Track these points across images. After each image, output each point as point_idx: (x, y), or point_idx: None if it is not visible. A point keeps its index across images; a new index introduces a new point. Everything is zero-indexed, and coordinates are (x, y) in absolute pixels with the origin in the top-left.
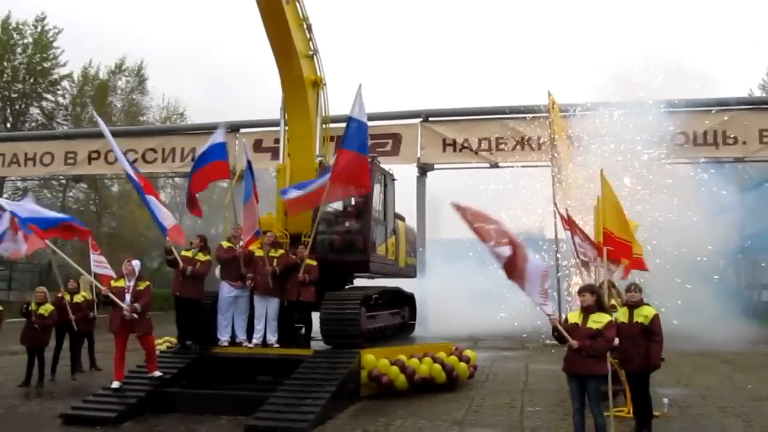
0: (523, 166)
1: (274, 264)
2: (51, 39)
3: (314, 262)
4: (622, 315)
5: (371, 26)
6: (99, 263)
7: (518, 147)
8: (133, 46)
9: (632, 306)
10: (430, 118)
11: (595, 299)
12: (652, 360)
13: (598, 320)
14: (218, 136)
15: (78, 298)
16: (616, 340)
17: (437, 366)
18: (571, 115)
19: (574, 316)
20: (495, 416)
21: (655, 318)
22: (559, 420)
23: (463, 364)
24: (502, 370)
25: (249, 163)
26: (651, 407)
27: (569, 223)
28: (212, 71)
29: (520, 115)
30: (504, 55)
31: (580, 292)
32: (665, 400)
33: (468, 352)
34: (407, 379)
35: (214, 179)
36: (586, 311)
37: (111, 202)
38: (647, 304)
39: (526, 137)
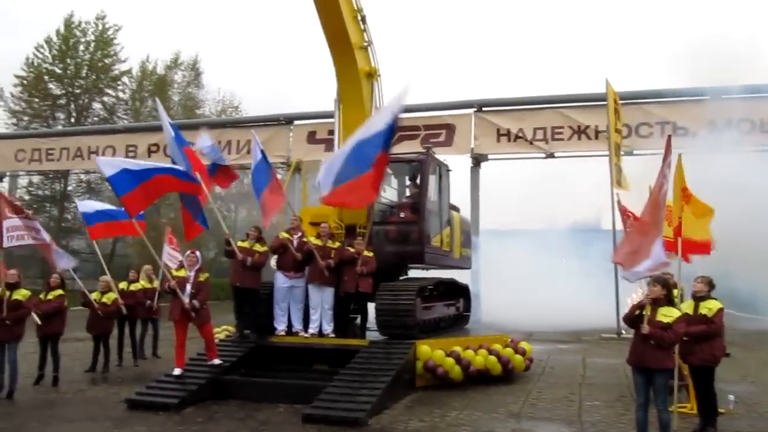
0: (580, 156)
1: (332, 255)
2: (111, 36)
3: (371, 254)
4: (687, 307)
5: (424, 15)
6: (171, 257)
7: (575, 136)
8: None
9: (699, 299)
10: (484, 108)
11: (665, 293)
12: (712, 352)
13: (668, 314)
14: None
15: (135, 287)
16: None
17: (493, 358)
18: (630, 103)
19: (689, 306)
20: (553, 410)
21: (719, 312)
22: (618, 415)
23: (519, 357)
24: (559, 363)
25: (262, 152)
26: (716, 404)
27: (627, 214)
28: (266, 63)
29: (576, 104)
30: (560, 43)
31: (650, 283)
32: (731, 397)
33: (524, 345)
34: (462, 370)
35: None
36: (655, 303)
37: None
38: (714, 298)
39: (584, 126)
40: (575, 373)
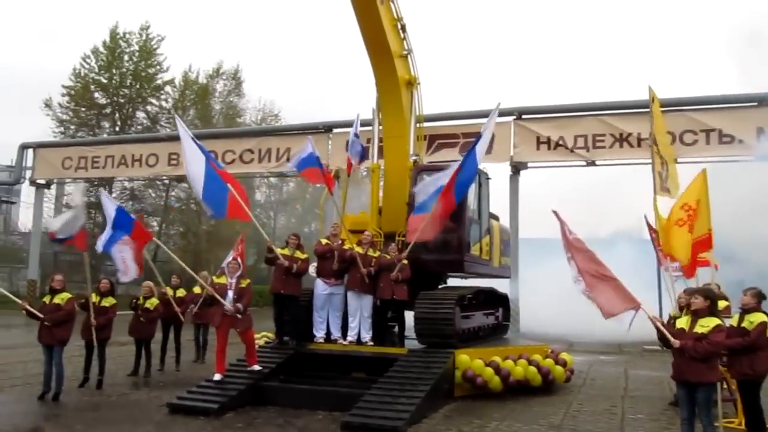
0: (622, 164)
1: (372, 264)
2: (155, 46)
3: (405, 261)
4: (733, 319)
5: (464, 23)
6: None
7: (617, 144)
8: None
9: (745, 311)
10: (523, 116)
11: (707, 304)
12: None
13: (705, 324)
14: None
15: (180, 293)
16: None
17: (533, 368)
18: (674, 110)
19: (683, 321)
20: (594, 422)
21: (759, 325)
22: (663, 429)
23: (559, 368)
24: (600, 375)
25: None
26: (763, 419)
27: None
28: (306, 73)
29: (618, 111)
30: (601, 49)
31: (693, 294)
32: None
33: (564, 355)
34: (502, 380)
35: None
36: (695, 315)
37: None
38: (763, 311)
39: (625, 134)
40: (617, 386)
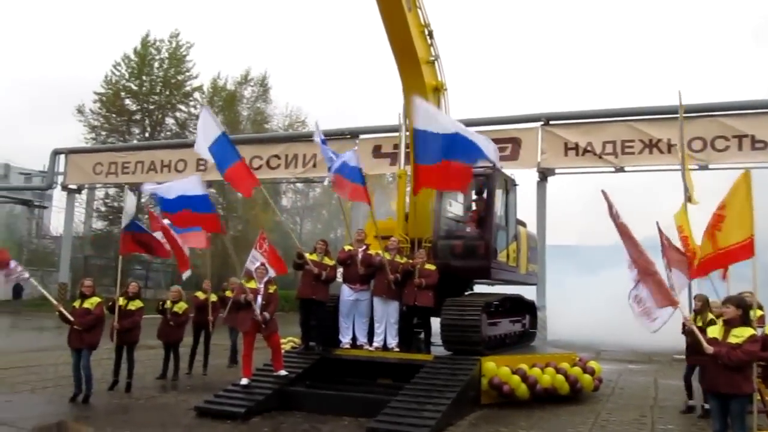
0: (651, 171)
1: (399, 270)
2: (184, 53)
3: (433, 267)
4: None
5: (490, 29)
6: (254, 259)
7: (646, 150)
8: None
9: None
10: (551, 122)
11: (740, 313)
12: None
13: (739, 334)
14: (353, 158)
15: (213, 298)
16: None
17: (560, 377)
18: (705, 116)
19: (714, 330)
20: None
21: None
22: None
23: (587, 376)
24: (629, 384)
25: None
26: None
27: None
28: (331, 79)
29: (648, 117)
30: (630, 54)
31: (724, 303)
32: None
33: (592, 364)
34: (529, 388)
35: (354, 199)
36: (728, 325)
37: (237, 205)
38: None
39: (655, 140)
40: (647, 395)
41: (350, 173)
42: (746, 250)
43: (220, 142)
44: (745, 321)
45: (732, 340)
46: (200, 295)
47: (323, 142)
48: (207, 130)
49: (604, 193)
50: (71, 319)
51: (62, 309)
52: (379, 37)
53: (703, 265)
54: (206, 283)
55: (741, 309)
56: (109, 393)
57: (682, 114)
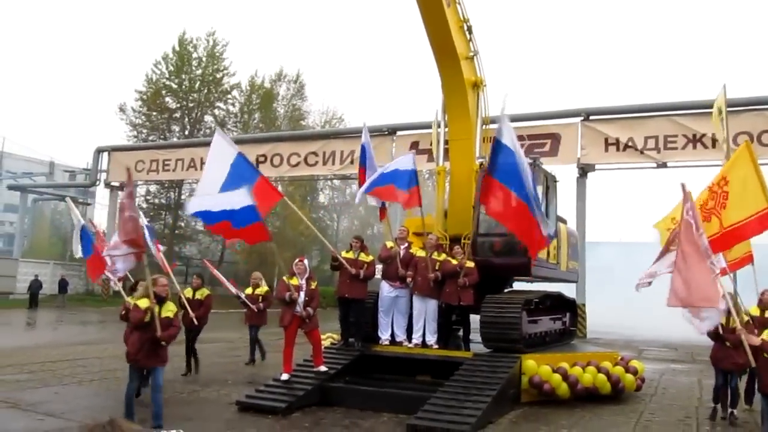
0: (695, 166)
1: (437, 268)
2: (221, 51)
3: (472, 264)
4: None
5: (530, 24)
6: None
7: (689, 145)
8: (292, 54)
9: None
10: (591, 117)
11: None
12: None
13: None
14: (409, 162)
15: (200, 294)
16: None
17: (602, 376)
18: (751, 110)
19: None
20: None
21: None
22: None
23: (630, 376)
24: (672, 384)
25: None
26: None
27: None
28: (368, 75)
29: (691, 111)
30: (672, 47)
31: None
32: None
33: (635, 363)
34: (570, 387)
35: (409, 206)
36: None
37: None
38: None
39: (699, 135)
40: (691, 395)
41: (403, 179)
42: (764, 220)
43: (237, 163)
44: None
45: None
46: (187, 291)
47: (364, 152)
48: (222, 154)
49: (683, 186)
50: (159, 331)
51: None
52: (417, 33)
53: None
54: (195, 278)
55: None
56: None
57: (726, 108)
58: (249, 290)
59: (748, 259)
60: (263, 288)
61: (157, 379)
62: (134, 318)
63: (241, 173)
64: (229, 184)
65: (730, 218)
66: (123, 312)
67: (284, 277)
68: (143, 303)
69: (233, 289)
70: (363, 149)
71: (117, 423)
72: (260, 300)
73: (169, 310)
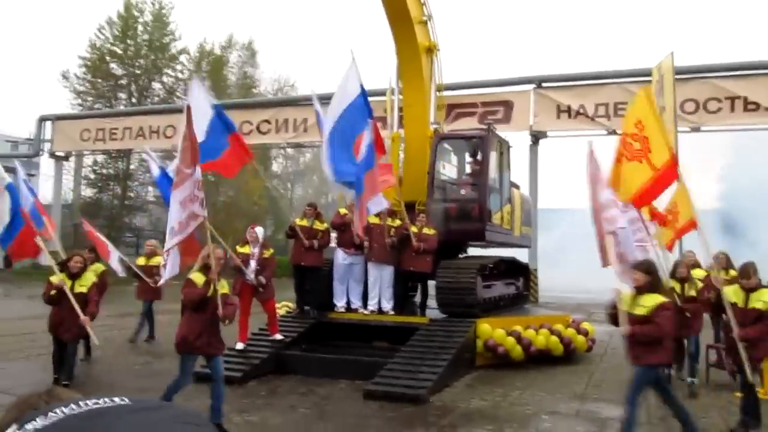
0: None
1: (392, 234)
2: (167, 14)
3: (432, 231)
4: (734, 295)
5: None
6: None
7: None
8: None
9: (749, 290)
10: (543, 84)
11: (648, 279)
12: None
13: (644, 304)
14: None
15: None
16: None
17: (554, 338)
18: (698, 77)
19: (627, 299)
20: (618, 391)
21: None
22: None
23: (581, 337)
24: (621, 344)
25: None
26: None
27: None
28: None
29: (641, 78)
30: (623, 15)
31: (633, 269)
32: None
33: (586, 325)
34: (523, 350)
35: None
36: (638, 292)
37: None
38: (765, 287)
39: None
40: None
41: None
42: (672, 172)
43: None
44: (654, 287)
45: (638, 310)
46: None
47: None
48: (201, 104)
49: (590, 144)
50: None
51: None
52: None
53: (647, 193)
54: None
55: (650, 275)
56: (102, 359)
57: (674, 76)
58: (141, 260)
59: (691, 224)
60: (158, 258)
61: (220, 369)
62: (194, 295)
63: (220, 125)
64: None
65: (656, 162)
66: (52, 293)
67: (237, 246)
68: (199, 278)
69: (114, 258)
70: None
71: (55, 392)
72: (154, 272)
73: (224, 286)
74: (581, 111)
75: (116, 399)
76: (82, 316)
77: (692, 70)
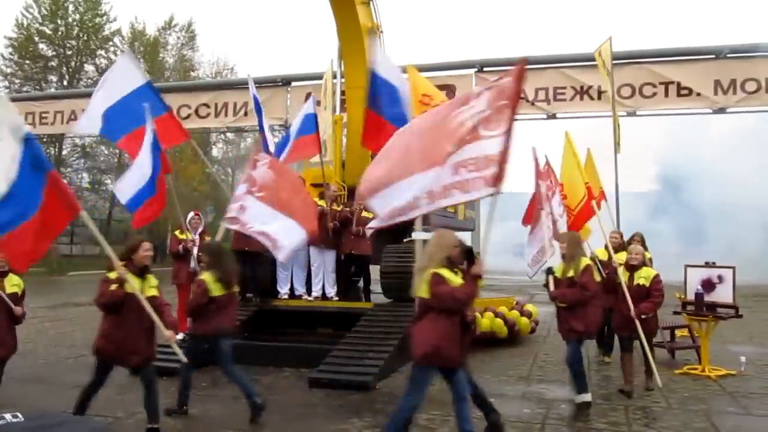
0: (582, 117)
1: (336, 218)
2: None
3: (371, 215)
4: (623, 276)
5: None
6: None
7: (577, 97)
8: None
9: (633, 268)
10: (484, 68)
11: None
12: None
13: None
14: (309, 107)
15: None
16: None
17: (499, 321)
18: (633, 63)
19: (559, 269)
20: (562, 372)
21: (655, 278)
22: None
23: (524, 319)
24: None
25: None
26: None
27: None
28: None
29: (579, 63)
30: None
31: (560, 239)
32: (742, 359)
33: (529, 307)
34: None
35: (305, 156)
36: (633, 269)
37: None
38: (646, 265)
39: (586, 86)
40: None
41: (304, 127)
42: (588, 209)
43: (144, 92)
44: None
45: (570, 273)
46: None
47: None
48: (126, 77)
49: (534, 150)
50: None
51: None
52: None
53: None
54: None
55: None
56: (37, 353)
57: (612, 61)
58: None
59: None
60: None
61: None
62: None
63: (138, 107)
64: (120, 111)
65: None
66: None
67: (176, 232)
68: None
69: None
70: (258, 110)
71: None
72: None
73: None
74: (521, 96)
75: (7, 416)
76: (165, 332)
77: (629, 55)
